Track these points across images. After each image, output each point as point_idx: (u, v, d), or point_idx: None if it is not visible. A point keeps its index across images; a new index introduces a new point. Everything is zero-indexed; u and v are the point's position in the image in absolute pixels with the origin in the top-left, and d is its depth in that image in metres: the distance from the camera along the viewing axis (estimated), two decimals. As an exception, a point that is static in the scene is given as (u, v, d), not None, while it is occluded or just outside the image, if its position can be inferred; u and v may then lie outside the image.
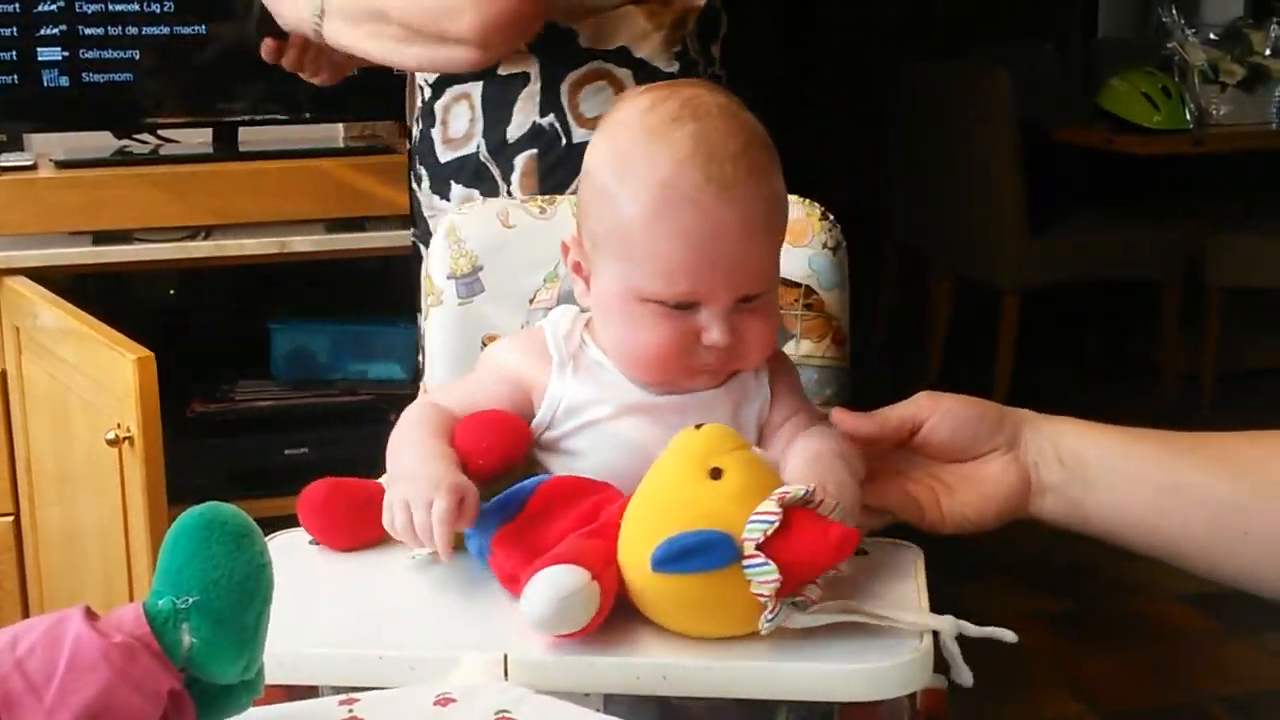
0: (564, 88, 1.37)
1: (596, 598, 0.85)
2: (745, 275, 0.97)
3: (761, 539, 0.83)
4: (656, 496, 0.88)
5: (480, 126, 1.37)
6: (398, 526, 0.94)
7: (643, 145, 0.97)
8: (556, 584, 0.84)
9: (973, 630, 0.87)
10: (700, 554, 0.83)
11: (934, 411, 1.01)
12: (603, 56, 1.36)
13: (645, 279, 0.97)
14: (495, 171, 1.38)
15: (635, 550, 0.87)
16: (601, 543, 0.89)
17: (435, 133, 1.42)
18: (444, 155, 1.41)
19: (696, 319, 0.97)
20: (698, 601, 0.86)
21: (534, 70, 1.37)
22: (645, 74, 1.37)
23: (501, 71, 1.38)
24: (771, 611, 0.83)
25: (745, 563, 0.83)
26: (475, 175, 1.39)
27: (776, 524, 0.83)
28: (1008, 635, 0.86)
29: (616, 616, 0.89)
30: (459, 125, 1.40)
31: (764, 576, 0.82)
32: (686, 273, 0.95)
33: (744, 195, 0.95)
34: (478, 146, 1.38)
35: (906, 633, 0.89)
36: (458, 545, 0.96)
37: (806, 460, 0.97)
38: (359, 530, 1.02)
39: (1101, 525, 1.00)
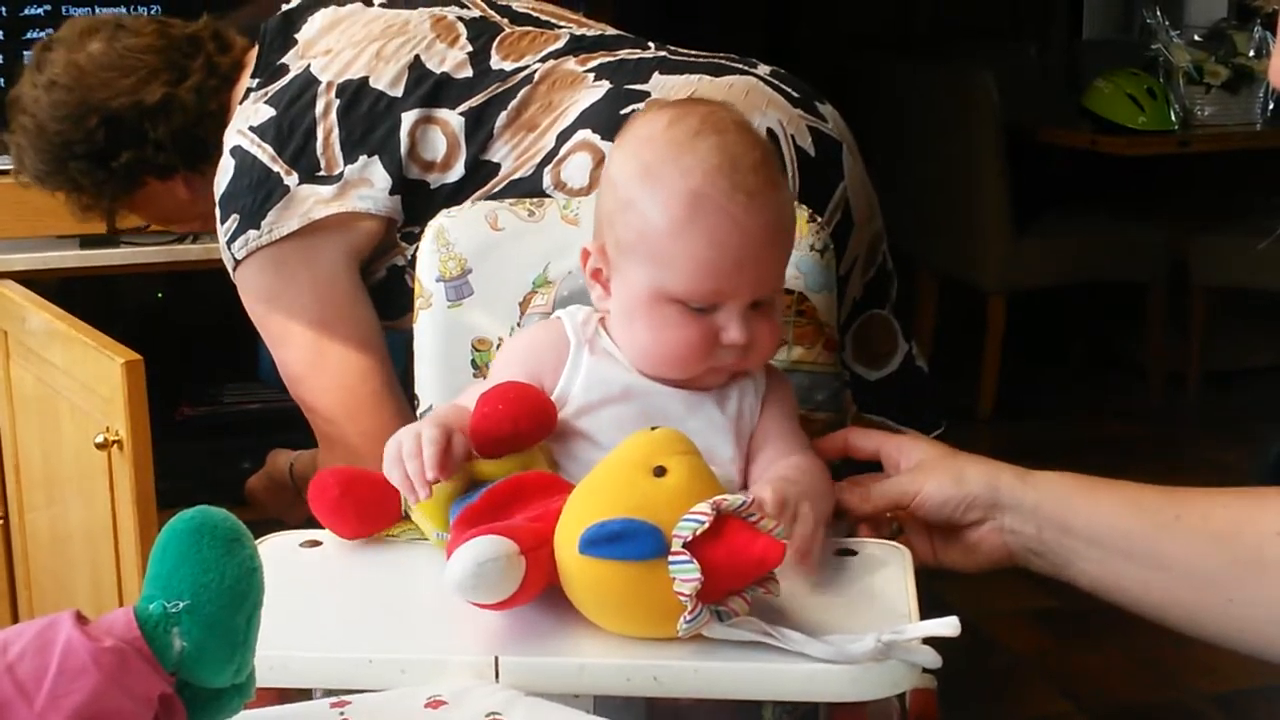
0: (552, 190, 1.39)
1: (518, 568, 0.86)
2: (764, 278, 1.04)
3: (690, 538, 0.84)
4: (597, 485, 0.90)
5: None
6: (392, 453, 0.99)
7: (671, 158, 1.03)
8: (476, 550, 0.86)
9: (907, 634, 0.86)
10: (626, 541, 0.85)
11: (920, 489, 1.07)
12: (548, 161, 1.40)
13: (674, 280, 1.03)
14: None
15: (567, 532, 0.88)
16: (540, 525, 0.91)
17: None
18: None
19: (715, 319, 1.04)
20: (618, 592, 0.87)
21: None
22: (592, 115, 1.39)
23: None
24: (691, 613, 0.84)
25: (670, 559, 0.84)
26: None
27: (706, 525, 0.84)
28: (948, 630, 0.86)
29: (607, 618, 0.89)
30: None
31: (685, 575, 0.84)
32: (715, 274, 1.02)
33: (766, 203, 1.03)
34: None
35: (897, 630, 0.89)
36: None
37: (779, 474, 1.02)
38: (375, 519, 1.05)
39: (1088, 588, 1.04)
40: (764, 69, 1.48)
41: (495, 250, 1.27)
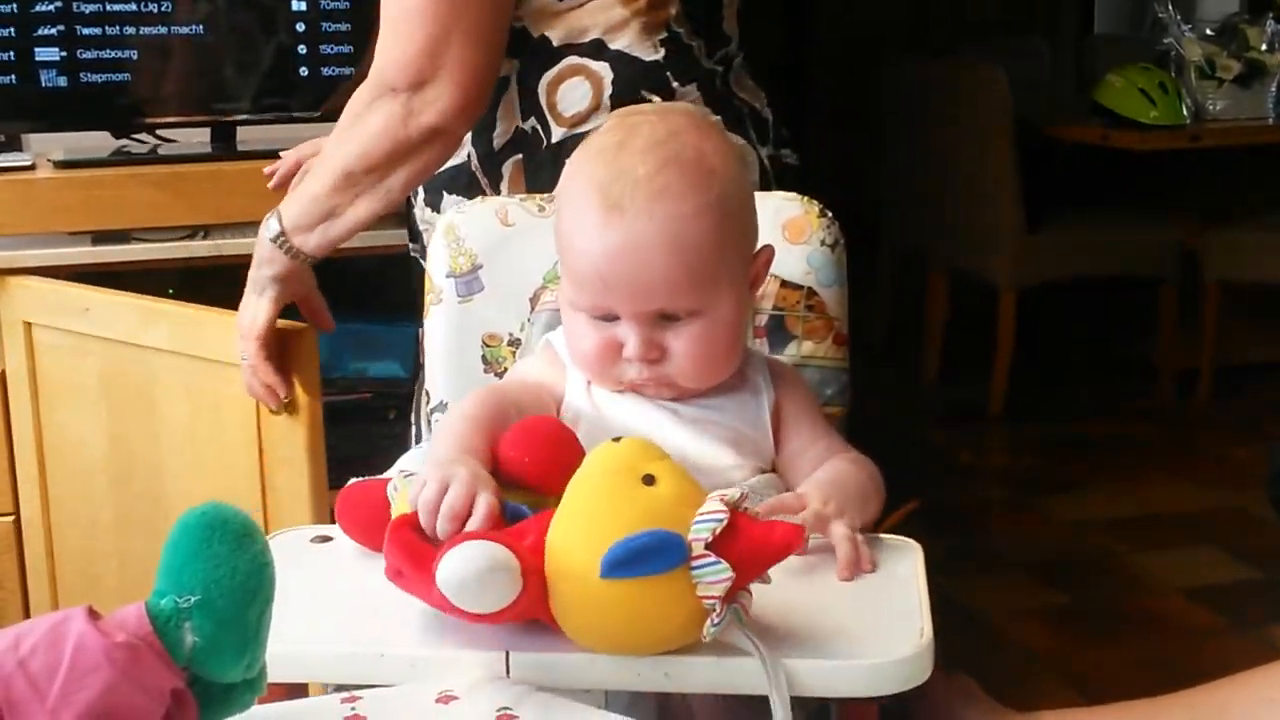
0: (541, 88, 1.35)
1: (513, 570, 0.82)
2: (648, 292, 1.02)
3: (710, 538, 0.82)
4: (589, 505, 0.86)
5: (469, 136, 1.36)
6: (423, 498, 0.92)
7: (581, 172, 1.05)
8: (464, 555, 0.83)
9: None
10: (654, 556, 0.82)
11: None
12: (577, 52, 1.34)
13: (568, 290, 1.06)
14: (485, 180, 1.37)
15: (574, 559, 0.84)
16: (532, 535, 0.86)
17: None
18: None
19: (617, 330, 1.04)
20: (642, 610, 0.83)
21: (513, 74, 1.36)
22: (624, 64, 1.36)
23: None
24: (719, 615, 0.82)
25: (694, 563, 0.82)
26: (468, 186, 1.38)
27: (725, 522, 0.83)
28: None
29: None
30: None
31: (714, 576, 0.82)
32: (587, 287, 1.03)
33: (634, 218, 1.01)
34: (468, 155, 1.37)
35: (906, 628, 0.89)
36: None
37: (822, 477, 1.04)
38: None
39: None
40: None
41: (506, 246, 1.27)
